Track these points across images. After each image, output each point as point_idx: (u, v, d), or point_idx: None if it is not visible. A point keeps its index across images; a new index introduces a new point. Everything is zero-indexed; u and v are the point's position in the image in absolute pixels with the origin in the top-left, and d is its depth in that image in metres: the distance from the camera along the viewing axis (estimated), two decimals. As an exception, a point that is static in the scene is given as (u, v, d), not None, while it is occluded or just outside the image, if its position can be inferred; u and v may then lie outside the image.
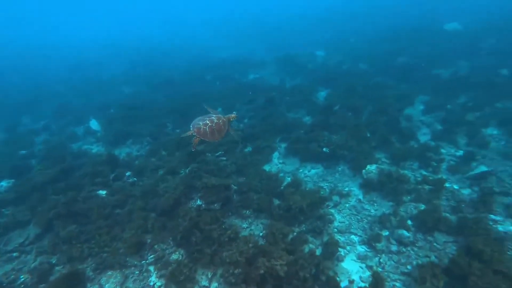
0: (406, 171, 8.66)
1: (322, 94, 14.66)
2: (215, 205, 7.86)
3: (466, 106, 10.83)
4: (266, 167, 9.81)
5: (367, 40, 21.82)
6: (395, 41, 19.40)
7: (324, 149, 9.42)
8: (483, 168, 8.26)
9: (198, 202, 7.97)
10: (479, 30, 18.19)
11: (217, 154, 10.45)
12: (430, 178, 8.09)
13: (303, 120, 12.31)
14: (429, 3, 26.95)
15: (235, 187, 8.45)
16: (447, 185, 7.82)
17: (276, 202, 8.04)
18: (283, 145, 10.73)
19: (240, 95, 15.44)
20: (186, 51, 29.50)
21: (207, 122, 5.52)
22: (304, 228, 7.26)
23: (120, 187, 9.30)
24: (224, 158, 10.28)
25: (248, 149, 10.66)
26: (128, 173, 10.28)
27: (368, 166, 8.38)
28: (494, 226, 6.46)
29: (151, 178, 9.57)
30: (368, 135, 10.09)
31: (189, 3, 65.74)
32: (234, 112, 6.26)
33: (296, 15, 35.73)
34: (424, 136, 9.84)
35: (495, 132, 9.76)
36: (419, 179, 8.23)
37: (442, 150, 9.30)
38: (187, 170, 9.33)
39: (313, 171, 9.55)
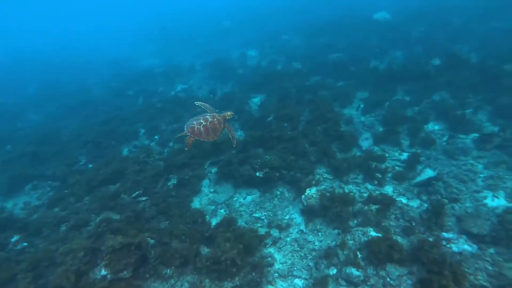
0: (350, 186, 7.90)
1: (255, 101, 13.63)
2: (125, 272, 6.24)
3: (404, 101, 10.46)
4: (196, 201, 8.50)
5: (300, 35, 21.48)
6: (328, 35, 19.27)
7: (258, 174, 8.27)
8: (429, 172, 7.77)
9: (103, 271, 6.28)
10: (407, 18, 18.63)
11: (134, 194, 8.80)
12: (376, 193, 7.35)
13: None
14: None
15: (152, 241, 6.92)
16: (395, 198, 7.09)
17: (205, 250, 6.70)
18: (214, 169, 9.38)
19: (165, 113, 13.81)
20: (108, 62, 26.74)
21: (201, 121, 5.41)
22: (238, 283, 5.99)
23: (3, 259, 7.23)
24: (144, 198, 8.70)
25: (173, 181, 9.15)
26: (15, 238, 8.18)
27: (308, 191, 7.42)
28: (448, 246, 5.79)
29: (49, 238, 7.70)
30: (307, 146, 9.17)
31: (112, 8, 61.08)
32: (229, 112, 6.10)
33: (222, 13, 34.51)
34: (366, 142, 9.19)
35: (436, 127, 9.50)
36: (365, 195, 7.47)
37: (386, 155, 8.68)
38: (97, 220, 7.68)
39: (249, 198, 8.45)
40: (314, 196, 7.33)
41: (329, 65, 14.17)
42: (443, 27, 16.30)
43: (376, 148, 9.05)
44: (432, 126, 9.55)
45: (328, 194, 7.24)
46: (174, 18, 38.58)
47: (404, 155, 8.68)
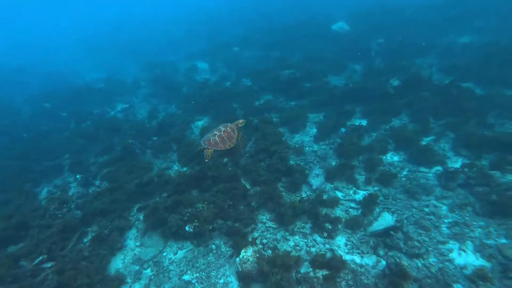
0: (297, 238, 6.75)
1: (200, 125, 12.29)
2: None
3: (361, 126, 9.54)
4: (118, 260, 7.10)
5: (252, 47, 20.61)
6: (282, 47, 18.51)
7: (187, 228, 6.93)
8: (387, 218, 6.79)
9: None
10: (367, 29, 18.34)
11: (37, 261, 7.05)
12: (326, 248, 6.25)
13: (172, 173, 9.71)
14: (313, 2, 27.50)
15: None
16: (346, 258, 5.99)
17: None
18: (142, 216, 7.97)
19: (97, 140, 12.15)
20: (45, 75, 24.25)
21: (215, 132, 6.11)
22: None
23: None
24: (48, 265, 6.98)
25: (92, 235, 7.58)
26: None
27: (243, 253, 6.16)
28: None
29: None
30: (248, 187, 7.95)
31: (44, 15, 57.65)
32: (241, 119, 6.91)
33: (172, 23, 33.27)
34: (317, 179, 8.06)
35: (395, 158, 8.65)
36: (312, 249, 6.37)
37: (339, 195, 7.64)
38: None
39: (180, 252, 7.15)
40: (251, 259, 6.06)
41: (282, 82, 13.18)
42: (403, 39, 16.01)
43: (328, 186, 7.99)
44: (391, 157, 8.70)
45: (267, 254, 6.03)
46: (122, 28, 36.80)
47: (360, 194, 7.68)
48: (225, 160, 9.04)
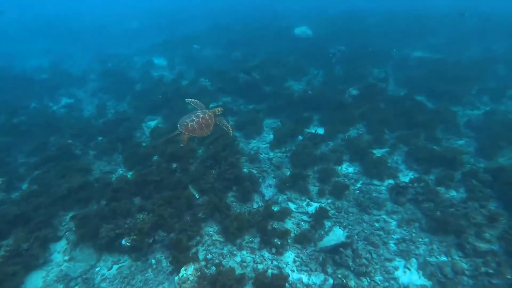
0: (244, 253, 6.40)
1: (151, 125, 11.58)
2: None
3: (317, 136, 9.47)
4: (37, 278, 6.20)
5: (214, 46, 20.14)
6: (243, 47, 18.14)
7: (124, 242, 6.31)
8: (338, 233, 6.69)
9: None
10: (329, 34, 18.64)
11: None
12: (274, 265, 6.00)
13: (115, 177, 8.95)
14: (278, 4, 27.65)
15: None
16: (293, 277, 5.78)
17: None
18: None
19: (30, 138, 10.93)
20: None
21: (194, 118, 5.88)
22: None
23: None
24: None
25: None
26: None
27: (183, 271, 5.71)
28: None
29: None
30: (196, 196, 7.49)
31: None
32: (219, 107, 6.78)
33: (130, 13, 31.73)
34: (270, 190, 7.81)
35: (350, 169, 8.67)
36: (260, 266, 6.07)
37: (291, 206, 7.48)
38: None
39: (115, 267, 6.45)
40: (191, 278, 5.61)
41: (241, 84, 12.84)
42: (362, 48, 16.44)
43: (281, 197, 7.77)
44: (346, 168, 8.70)
45: (210, 272, 5.63)
46: (75, 13, 34.28)
47: (313, 206, 7.54)
48: (175, 165, 8.49)
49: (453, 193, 7.46)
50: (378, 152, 9.13)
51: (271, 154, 9.54)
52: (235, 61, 15.74)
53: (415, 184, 7.38)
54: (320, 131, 10.14)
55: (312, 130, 10.43)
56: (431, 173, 8.14)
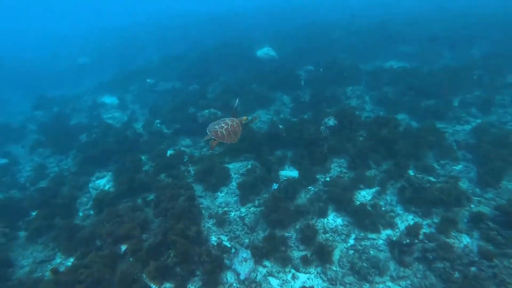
0: None
1: (100, 185, 10.14)
2: None
3: (294, 181, 8.29)
4: None
5: (168, 77, 18.97)
6: (201, 77, 17.07)
7: None
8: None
9: None
10: (295, 54, 17.95)
11: None
12: None
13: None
14: (236, 24, 27.18)
15: None
16: None
17: None
18: None
19: None
20: None
21: (223, 125, 6.24)
22: None
23: None
24: None
25: None
26: None
27: None
28: None
29: None
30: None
31: None
32: (244, 116, 7.01)
33: (78, 46, 30.25)
34: (245, 265, 6.43)
35: (338, 221, 7.61)
36: None
37: (274, 284, 6.25)
38: None
39: None
40: None
41: (201, 124, 11.61)
42: (332, 65, 15.75)
43: (260, 274, 6.40)
44: (334, 220, 7.48)
45: None
46: (9, 45, 32.29)
47: (300, 280, 6.23)
48: (123, 248, 6.96)
49: (465, 239, 6.38)
50: (367, 194, 8.04)
51: (243, 210, 8.23)
52: (193, 95, 14.51)
53: (421, 237, 6.25)
54: (295, 173, 8.99)
55: (286, 173, 9.29)
56: (433, 214, 7.09)
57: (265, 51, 16.59)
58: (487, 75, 13.36)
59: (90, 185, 10.40)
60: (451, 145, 9.28)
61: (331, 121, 9.60)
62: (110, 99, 18.29)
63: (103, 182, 10.47)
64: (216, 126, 6.35)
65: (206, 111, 11.69)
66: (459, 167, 8.59)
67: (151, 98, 16.38)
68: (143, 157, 10.99)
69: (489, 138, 9.05)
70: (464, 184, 7.89)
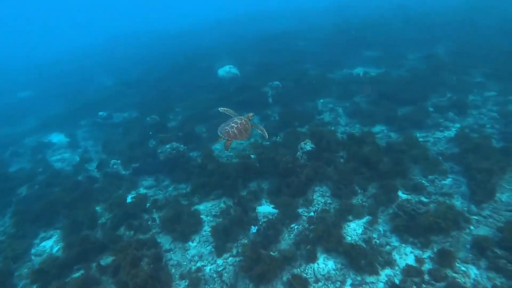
0: None
1: (46, 248, 8.88)
2: None
3: (274, 222, 7.46)
4: None
5: (124, 107, 17.79)
6: (160, 104, 15.98)
7: None
8: None
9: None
10: (258, 71, 17.43)
11: None
12: None
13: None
14: (195, 40, 26.49)
15: None
16: None
17: None
18: None
19: None
20: None
21: (233, 124, 6.44)
22: None
23: None
24: None
25: None
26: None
27: None
28: None
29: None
30: None
31: None
32: (250, 113, 7.23)
33: (19, 80, 28.20)
34: None
35: (330, 265, 6.82)
36: None
37: None
38: None
39: None
40: None
41: (164, 160, 10.58)
42: (300, 77, 15.28)
43: None
44: (325, 264, 6.70)
45: None
46: None
47: None
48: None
49: (473, 271, 5.81)
50: (357, 226, 7.36)
51: (220, 262, 7.26)
52: (152, 127, 13.41)
53: (425, 278, 5.60)
54: (271, 209, 8.19)
55: (265, 208, 8.47)
56: (433, 243, 6.51)
57: (226, 70, 15.85)
58: (455, 75, 13.37)
59: (33, 250, 8.97)
60: (436, 158, 8.87)
61: (308, 145, 8.92)
62: (58, 138, 16.73)
63: (50, 243, 9.08)
64: (226, 127, 6.53)
65: (168, 146, 10.65)
66: (448, 181, 8.17)
67: (105, 133, 15.07)
68: (98, 208, 9.75)
69: (472, 145, 8.72)
70: (457, 202, 7.45)
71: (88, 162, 13.33)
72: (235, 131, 6.45)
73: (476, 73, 13.57)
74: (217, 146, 11.62)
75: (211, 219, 8.64)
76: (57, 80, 26.56)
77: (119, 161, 11.52)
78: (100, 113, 15.82)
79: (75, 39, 47.60)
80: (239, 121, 6.66)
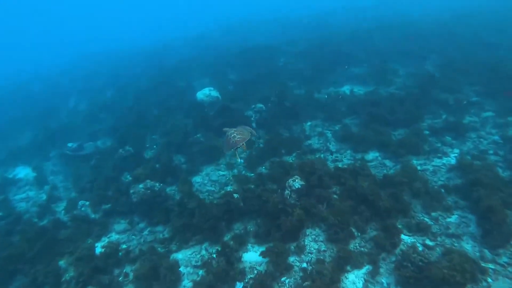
0: None
1: None
2: None
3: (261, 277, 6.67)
4: None
5: (96, 135, 16.68)
6: (134, 132, 14.97)
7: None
8: None
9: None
10: (236, 92, 16.79)
11: None
12: None
13: None
14: (170, 56, 25.89)
15: None
16: None
17: None
18: None
19: None
20: None
21: (233, 133, 7.63)
22: None
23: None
24: None
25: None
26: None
27: None
28: None
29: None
30: None
31: None
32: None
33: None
34: None
35: None
36: None
37: None
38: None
39: None
40: None
41: (138, 201, 9.68)
42: (284, 98, 14.63)
43: None
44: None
45: None
46: None
47: None
48: None
49: None
50: (357, 279, 6.59)
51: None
52: (126, 160, 12.46)
53: None
54: (261, 259, 7.37)
55: (252, 255, 7.66)
56: (445, 298, 5.81)
57: (206, 93, 15.04)
58: (448, 93, 12.96)
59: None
60: (438, 191, 8.26)
61: (297, 183, 8.17)
62: (24, 172, 15.54)
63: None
64: (231, 140, 7.45)
65: (141, 185, 9.75)
66: (454, 218, 7.53)
67: (75, 167, 13.99)
68: (61, 262, 8.72)
69: (476, 176, 8.12)
70: (468, 245, 6.79)
71: (56, 201, 12.28)
72: (237, 136, 7.49)
73: (469, 91, 13.19)
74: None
75: (191, 270, 7.78)
76: (24, 104, 25.25)
77: (87, 203, 10.50)
78: (69, 144, 14.73)
79: (42, 61, 46.16)
80: (233, 130, 7.83)
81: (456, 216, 7.58)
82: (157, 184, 9.92)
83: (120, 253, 8.59)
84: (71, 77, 30.91)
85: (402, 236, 7.17)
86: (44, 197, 12.94)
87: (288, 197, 8.14)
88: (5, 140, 19.86)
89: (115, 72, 28.28)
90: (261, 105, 14.06)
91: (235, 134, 7.58)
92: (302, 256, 7.30)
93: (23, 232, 10.04)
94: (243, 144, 7.33)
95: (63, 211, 11.42)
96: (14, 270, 8.77)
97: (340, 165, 10.15)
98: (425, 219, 7.61)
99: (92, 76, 29.12)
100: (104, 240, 9.41)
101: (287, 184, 8.33)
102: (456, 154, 9.72)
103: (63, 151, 15.12)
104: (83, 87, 26.45)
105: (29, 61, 48.57)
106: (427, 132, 10.99)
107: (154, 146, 14.06)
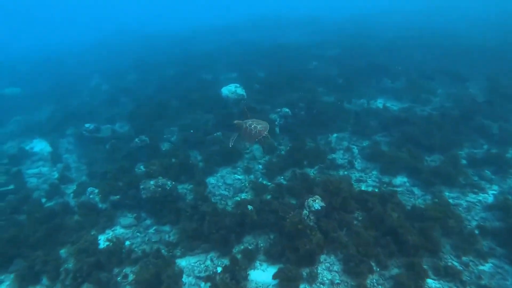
0: None
1: None
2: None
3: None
4: None
5: (110, 121, 16.50)
6: (153, 120, 14.74)
7: None
8: None
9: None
10: (262, 91, 16.28)
11: None
12: None
13: None
14: (199, 46, 25.54)
15: None
16: None
17: None
18: None
19: None
20: None
21: (255, 125, 7.55)
22: None
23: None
24: None
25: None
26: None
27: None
28: None
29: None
30: None
31: None
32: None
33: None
34: None
35: None
36: None
37: None
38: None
39: None
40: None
41: (147, 198, 9.39)
42: (313, 106, 14.08)
43: None
44: None
45: None
46: None
47: None
48: None
49: None
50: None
51: None
52: (141, 150, 12.22)
53: None
54: (269, 276, 6.90)
55: (260, 274, 7.20)
56: None
57: (231, 89, 14.61)
58: (492, 120, 12.08)
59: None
60: (472, 232, 7.57)
61: (317, 204, 7.65)
62: (40, 145, 15.54)
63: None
64: (253, 132, 7.41)
65: (152, 181, 9.43)
66: (487, 267, 6.85)
67: (90, 149, 13.89)
68: (62, 251, 8.51)
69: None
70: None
71: (67, 183, 12.15)
72: (259, 126, 7.46)
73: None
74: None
75: (193, 281, 7.39)
76: (50, 78, 25.51)
77: (96, 190, 10.26)
78: (87, 125, 14.61)
79: (74, 36, 46.82)
80: (249, 121, 7.74)
81: (491, 265, 6.89)
82: (169, 183, 9.58)
83: (123, 251, 8.32)
84: (99, 55, 31.12)
85: (428, 281, 6.56)
86: (56, 175, 12.89)
87: (306, 218, 7.62)
88: (26, 112, 20.08)
89: (142, 56, 28.24)
90: (287, 110, 13.53)
91: (255, 125, 7.50)
92: (314, 286, 6.79)
93: (30, 213, 9.93)
94: (267, 134, 7.33)
95: (72, 194, 11.28)
96: (18, 252, 8.64)
97: (363, 187, 9.61)
98: (454, 263, 6.96)
99: (118, 56, 29.24)
100: (109, 233, 9.16)
101: (306, 204, 7.80)
102: (494, 192, 8.98)
103: (80, 131, 15.04)
104: (106, 68, 26.52)
105: (61, 37, 49.39)
106: (464, 162, 10.24)
107: (172, 139, 13.77)
